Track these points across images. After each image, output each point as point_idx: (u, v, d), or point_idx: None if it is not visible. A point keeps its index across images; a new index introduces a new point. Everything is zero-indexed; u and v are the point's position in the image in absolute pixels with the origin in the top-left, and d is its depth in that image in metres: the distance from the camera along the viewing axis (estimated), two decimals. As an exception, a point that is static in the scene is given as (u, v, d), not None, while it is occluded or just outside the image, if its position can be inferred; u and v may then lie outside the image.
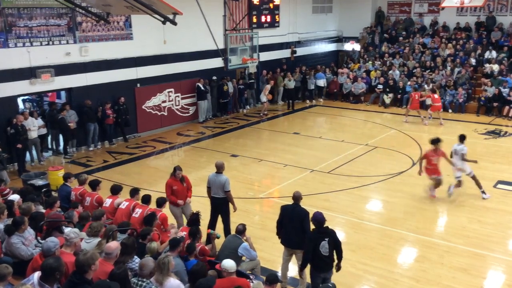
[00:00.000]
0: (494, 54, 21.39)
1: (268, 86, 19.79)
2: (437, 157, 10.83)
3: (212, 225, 8.78)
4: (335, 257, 6.76)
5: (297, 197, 7.44)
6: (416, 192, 11.43)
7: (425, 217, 10.20)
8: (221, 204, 8.74)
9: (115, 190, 8.49)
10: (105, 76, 15.41)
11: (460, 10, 23.39)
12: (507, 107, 18.68)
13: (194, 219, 7.43)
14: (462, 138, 11.05)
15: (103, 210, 7.62)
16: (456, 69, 21.11)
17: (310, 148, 15.32)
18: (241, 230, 7.42)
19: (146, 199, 8.10)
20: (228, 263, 5.88)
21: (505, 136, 16.30)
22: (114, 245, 5.62)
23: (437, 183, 10.94)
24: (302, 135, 16.45)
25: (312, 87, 22.52)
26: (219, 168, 8.72)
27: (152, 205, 8.10)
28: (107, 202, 8.31)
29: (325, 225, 6.72)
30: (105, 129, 15.53)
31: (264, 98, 19.76)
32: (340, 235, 8.66)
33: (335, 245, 6.67)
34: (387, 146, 15.12)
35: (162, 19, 8.39)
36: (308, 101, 22.25)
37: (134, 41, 16.13)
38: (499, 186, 11.71)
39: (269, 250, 8.35)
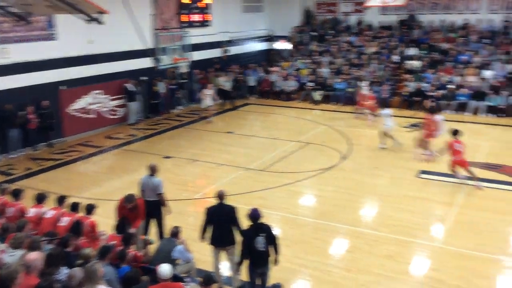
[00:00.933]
0: (415, 51, 22.58)
1: (207, 90, 18.83)
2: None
3: (145, 229, 8.60)
4: (271, 252, 6.83)
5: (220, 195, 7.47)
6: (346, 185, 11.84)
7: (354, 208, 10.59)
8: (154, 208, 8.55)
9: (40, 198, 8.10)
10: (27, 78, 14.65)
11: (383, 9, 24.48)
12: (427, 101, 19.77)
13: (120, 224, 7.22)
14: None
15: (26, 220, 7.23)
16: (380, 66, 22.08)
17: (244, 147, 15.41)
18: (175, 232, 7.33)
19: (74, 207, 7.78)
20: (163, 271, 5.77)
21: (426, 129, 17.22)
22: (33, 256, 5.33)
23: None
24: (236, 134, 16.51)
25: (253, 83, 22.88)
26: (152, 170, 8.55)
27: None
28: (31, 211, 7.90)
29: (260, 221, 6.79)
30: (28, 135, 14.75)
31: (209, 101, 18.72)
32: (276, 232, 8.80)
33: (271, 240, 6.75)
34: (318, 142, 15.52)
35: (87, 19, 8.11)
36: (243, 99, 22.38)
37: (58, 42, 15.47)
38: (422, 175, 12.37)
39: (204, 252, 8.28)
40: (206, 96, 18.70)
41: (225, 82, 21.04)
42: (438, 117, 13.68)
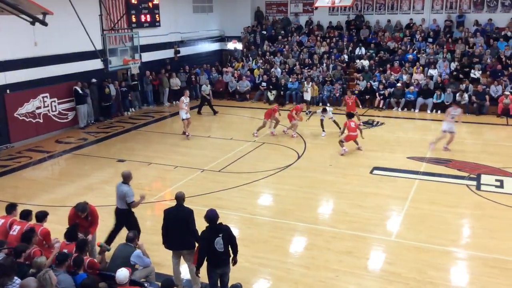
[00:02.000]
0: (363, 50, 23.18)
1: (183, 98, 16.44)
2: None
3: (112, 237, 8.30)
4: (230, 252, 6.81)
5: (179, 197, 7.35)
6: (302, 183, 11.99)
7: (311, 206, 10.74)
8: (123, 216, 8.24)
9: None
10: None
11: (332, 10, 25.00)
12: (377, 99, 20.37)
13: (70, 231, 6.96)
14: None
15: None
16: (331, 66, 22.53)
17: (200, 148, 15.29)
18: (132, 237, 7.16)
19: (25, 214, 7.44)
20: (120, 275, 5.64)
21: (377, 126, 17.76)
22: None
23: None
24: (191, 135, 16.34)
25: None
26: (123, 178, 8.21)
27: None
28: (-21, 221, 7.50)
29: (218, 222, 6.74)
30: (-29, 141, 14.05)
31: (184, 114, 16.24)
32: (234, 232, 8.77)
33: (230, 240, 6.71)
34: (274, 142, 15.64)
35: (31, 20, 7.79)
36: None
37: (1, 44, 14.75)
38: (375, 172, 12.71)
39: (163, 255, 8.16)
40: (183, 105, 16.26)
41: (205, 87, 20.23)
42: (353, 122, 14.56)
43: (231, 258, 6.85)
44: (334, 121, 16.41)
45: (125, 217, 8.25)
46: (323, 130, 16.41)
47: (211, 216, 6.67)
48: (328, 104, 17.14)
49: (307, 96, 19.77)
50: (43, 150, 15.23)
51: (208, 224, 6.71)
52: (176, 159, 14.07)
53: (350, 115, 14.79)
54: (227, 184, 12.01)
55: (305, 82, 20.43)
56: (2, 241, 6.82)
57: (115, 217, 8.37)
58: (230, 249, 6.77)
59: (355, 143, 14.50)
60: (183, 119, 16.27)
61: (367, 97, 20.60)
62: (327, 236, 9.23)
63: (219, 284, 6.87)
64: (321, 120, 16.45)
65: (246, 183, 12.05)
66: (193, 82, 22.80)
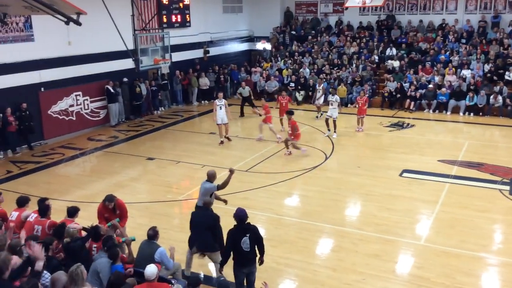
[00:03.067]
0: (394, 51, 22.85)
1: (217, 101, 15.47)
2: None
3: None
4: (257, 252, 6.81)
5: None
6: (330, 184, 11.91)
7: (338, 208, 10.65)
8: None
9: (21, 202, 7.92)
10: (4, 81, 14.35)
11: (362, 9, 24.70)
12: (408, 101, 20.04)
13: (92, 231, 7.01)
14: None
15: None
16: (361, 66, 22.28)
17: (228, 148, 15.36)
18: (152, 235, 7.01)
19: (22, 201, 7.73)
20: (149, 271, 5.71)
21: (407, 128, 17.48)
22: (13, 261, 5.27)
23: None
24: (219, 134, 16.40)
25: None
26: (209, 177, 8.30)
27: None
28: (13, 215, 7.72)
29: (246, 221, 6.77)
30: (7, 138, 14.46)
31: (219, 118, 15.31)
32: (261, 232, 8.80)
33: (257, 240, 6.72)
34: (302, 142, 15.55)
35: (65, 19, 7.97)
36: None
37: (36, 43, 15.20)
38: (405, 174, 12.51)
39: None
40: (217, 108, 15.28)
41: (245, 90, 19.29)
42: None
43: (257, 258, 6.86)
44: (334, 121, 16.08)
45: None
46: (328, 130, 16.25)
47: (241, 215, 6.71)
48: (337, 98, 16.43)
49: (320, 99, 18.94)
50: (76, 147, 15.60)
51: (236, 223, 6.73)
52: (204, 158, 14.18)
53: (290, 112, 14.57)
54: (254, 184, 12.03)
55: (316, 84, 19.82)
56: (35, 235, 6.99)
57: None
58: (256, 249, 6.77)
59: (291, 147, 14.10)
60: (217, 124, 15.35)
61: (398, 96, 20.23)
62: (354, 238, 9.15)
63: (245, 284, 6.90)
64: (326, 119, 16.24)
65: (273, 184, 12.05)
66: (221, 82, 22.92)
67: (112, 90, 17.76)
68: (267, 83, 22.78)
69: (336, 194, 11.39)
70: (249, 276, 6.86)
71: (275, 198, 11.25)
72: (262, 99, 17.52)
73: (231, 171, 8.32)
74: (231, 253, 6.79)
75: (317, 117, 18.90)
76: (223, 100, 15.51)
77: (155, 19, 19.46)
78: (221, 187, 8.29)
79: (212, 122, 16.15)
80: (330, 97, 16.42)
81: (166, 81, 20.64)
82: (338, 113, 16.18)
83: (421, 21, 23.82)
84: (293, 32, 25.95)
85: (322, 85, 19.49)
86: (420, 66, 21.45)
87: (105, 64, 17.63)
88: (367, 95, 20.49)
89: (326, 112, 16.57)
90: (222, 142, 15.50)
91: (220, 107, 15.25)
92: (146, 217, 10.18)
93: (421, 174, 12.46)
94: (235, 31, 25.66)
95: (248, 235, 6.62)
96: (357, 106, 17.29)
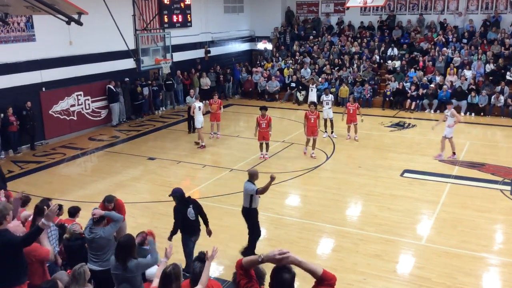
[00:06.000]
0: (395, 51, 22.82)
1: (195, 104, 15.29)
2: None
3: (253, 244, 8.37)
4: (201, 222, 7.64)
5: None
6: (331, 184, 11.90)
7: (339, 208, 10.65)
8: (244, 213, 8.42)
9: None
10: (6, 80, 14.38)
11: (364, 9, 24.69)
12: (409, 101, 20.02)
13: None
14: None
15: None
16: (362, 66, 22.26)
17: (228, 148, 15.37)
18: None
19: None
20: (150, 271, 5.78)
21: (408, 128, 17.47)
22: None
23: None
24: (220, 134, 16.44)
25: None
26: (250, 176, 8.31)
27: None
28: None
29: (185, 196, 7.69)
30: (9, 137, 14.48)
31: (199, 123, 15.14)
32: (262, 232, 8.82)
33: (199, 209, 7.64)
34: (303, 142, 15.54)
35: (66, 19, 7.98)
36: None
37: (37, 43, 15.20)
38: (406, 175, 12.50)
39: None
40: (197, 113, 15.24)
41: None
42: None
43: (206, 230, 7.70)
44: (331, 120, 16.04)
45: (246, 214, 8.39)
46: (325, 131, 16.10)
47: (179, 191, 7.61)
48: (331, 97, 16.39)
49: (312, 97, 18.73)
50: (77, 147, 15.61)
51: (178, 200, 7.58)
52: (205, 158, 14.19)
53: (264, 108, 13.83)
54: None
55: (310, 84, 19.65)
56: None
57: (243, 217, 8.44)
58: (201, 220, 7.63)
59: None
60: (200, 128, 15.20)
61: (403, 95, 20.19)
62: (355, 238, 9.14)
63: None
64: (325, 120, 16.07)
65: (274, 183, 11.95)
66: (221, 81, 22.93)
67: (114, 90, 17.77)
68: (268, 83, 22.78)
69: (337, 194, 11.39)
70: (194, 243, 7.66)
71: (276, 198, 11.23)
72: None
73: (272, 178, 8.19)
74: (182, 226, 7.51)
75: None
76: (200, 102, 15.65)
77: (156, 19, 19.46)
78: (260, 192, 8.21)
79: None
80: (324, 97, 16.37)
81: (170, 81, 20.62)
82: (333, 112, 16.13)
83: (422, 21, 23.78)
84: (296, 32, 25.92)
85: (315, 83, 19.62)
86: (421, 65, 21.40)
87: (106, 64, 17.65)
88: (369, 94, 20.48)
89: (321, 112, 16.50)
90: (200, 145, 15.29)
91: (200, 108, 15.33)
92: (147, 217, 10.21)
93: (422, 174, 12.45)
94: (236, 31, 25.67)
95: (191, 206, 7.57)
96: (345, 113, 15.64)
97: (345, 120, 15.63)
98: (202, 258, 5.09)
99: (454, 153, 13.59)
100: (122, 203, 8.10)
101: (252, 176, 8.34)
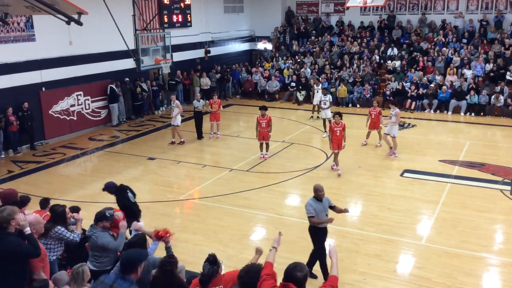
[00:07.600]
0: (395, 51, 22.82)
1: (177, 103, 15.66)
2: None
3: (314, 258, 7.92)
4: None
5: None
6: (331, 184, 11.88)
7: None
8: (309, 230, 7.91)
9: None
10: (5, 80, 14.37)
11: (364, 9, 24.69)
12: (409, 101, 20.02)
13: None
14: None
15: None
16: (362, 66, 22.26)
17: (229, 148, 15.37)
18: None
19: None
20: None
21: (408, 128, 17.46)
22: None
23: None
24: (220, 134, 16.45)
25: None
26: (315, 191, 7.72)
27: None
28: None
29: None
30: (9, 137, 14.48)
31: (176, 120, 15.44)
32: (262, 232, 8.82)
33: (133, 192, 8.32)
34: (303, 142, 15.58)
35: (66, 19, 7.97)
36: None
37: (37, 43, 15.20)
38: (406, 174, 12.50)
39: (191, 253, 8.27)
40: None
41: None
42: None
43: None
44: (330, 121, 15.06)
45: (310, 232, 7.93)
46: (324, 131, 16.02)
47: (111, 184, 8.34)
48: (330, 97, 16.29)
49: (317, 98, 17.98)
50: (77, 147, 15.61)
51: (114, 192, 8.21)
52: (205, 158, 14.20)
53: (263, 108, 13.72)
54: (255, 184, 12.03)
55: (315, 85, 18.84)
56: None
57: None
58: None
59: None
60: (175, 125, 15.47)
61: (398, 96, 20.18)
62: (355, 238, 9.15)
63: None
64: (324, 120, 16.12)
65: (274, 183, 12.05)
66: (224, 81, 22.94)
67: (114, 90, 17.77)
68: (268, 83, 22.78)
69: (337, 194, 11.36)
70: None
71: (276, 198, 11.25)
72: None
73: (346, 211, 8.15)
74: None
75: (311, 117, 18.84)
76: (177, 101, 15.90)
77: (156, 19, 19.46)
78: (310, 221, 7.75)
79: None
80: (322, 97, 16.35)
81: (174, 82, 20.60)
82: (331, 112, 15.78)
83: (422, 21, 23.78)
84: (296, 32, 25.91)
85: (321, 85, 19.26)
86: (421, 65, 21.40)
87: (106, 64, 17.64)
88: (369, 94, 20.48)
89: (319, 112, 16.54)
90: (173, 143, 15.65)
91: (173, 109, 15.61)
92: (147, 217, 10.15)
93: (422, 174, 12.45)
94: (236, 31, 25.67)
95: (128, 191, 8.22)
96: (369, 118, 14.85)
97: (368, 125, 14.88)
98: (212, 260, 5.11)
99: (391, 148, 14.00)
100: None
101: (314, 191, 7.74)
